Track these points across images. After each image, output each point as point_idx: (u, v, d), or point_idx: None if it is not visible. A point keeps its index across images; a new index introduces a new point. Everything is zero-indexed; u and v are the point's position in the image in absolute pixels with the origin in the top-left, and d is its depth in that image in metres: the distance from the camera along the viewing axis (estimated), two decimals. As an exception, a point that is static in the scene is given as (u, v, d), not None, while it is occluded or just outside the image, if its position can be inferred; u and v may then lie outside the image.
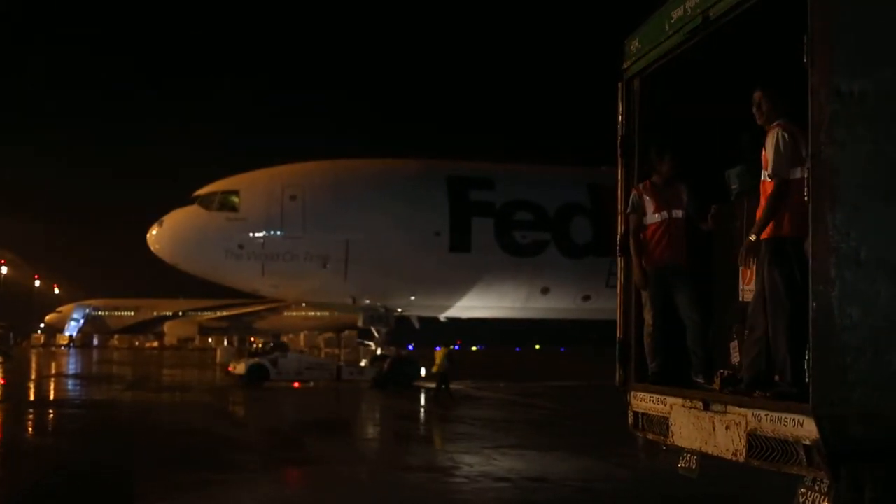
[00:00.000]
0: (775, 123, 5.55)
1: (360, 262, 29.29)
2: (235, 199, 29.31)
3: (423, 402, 25.62)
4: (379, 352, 32.05)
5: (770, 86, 5.66)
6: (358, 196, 29.80)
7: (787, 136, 5.40)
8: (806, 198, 5.12)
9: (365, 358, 33.12)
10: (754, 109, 5.74)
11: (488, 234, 30.01)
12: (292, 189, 29.13)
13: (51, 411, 20.68)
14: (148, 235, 30.77)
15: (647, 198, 6.82)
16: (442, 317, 33.92)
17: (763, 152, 5.56)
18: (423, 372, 31.20)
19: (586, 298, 31.70)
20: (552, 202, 30.25)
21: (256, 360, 29.95)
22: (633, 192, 6.91)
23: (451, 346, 29.08)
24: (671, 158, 6.82)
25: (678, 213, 6.81)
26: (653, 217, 6.80)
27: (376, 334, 32.03)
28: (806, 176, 5.21)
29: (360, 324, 31.73)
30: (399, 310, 32.13)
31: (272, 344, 32.71)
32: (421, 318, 35.07)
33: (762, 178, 5.58)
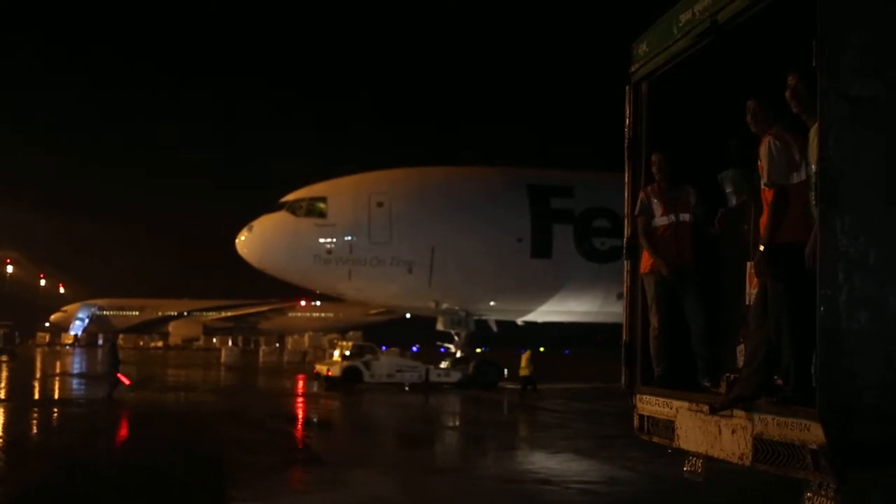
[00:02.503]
0: (767, 132, 5.56)
1: (445, 268, 29.85)
2: (323, 206, 29.97)
3: (505, 403, 25.97)
4: (458, 354, 32.53)
5: (763, 94, 5.67)
6: (443, 203, 30.50)
7: (778, 143, 5.42)
8: (805, 203, 5.13)
9: (446, 361, 33.24)
10: (748, 118, 5.76)
11: (568, 241, 30.56)
12: (379, 196, 29.75)
13: (57, 410, 20.70)
14: (237, 241, 31.27)
15: (655, 200, 6.83)
16: (520, 321, 34.40)
17: (759, 162, 5.57)
18: (505, 373, 32.20)
19: None
20: None
21: (350, 362, 30.15)
22: (641, 195, 6.92)
23: (534, 350, 30.21)
24: (668, 160, 6.82)
25: (685, 217, 6.81)
26: (660, 220, 6.81)
27: (456, 337, 32.50)
28: (804, 180, 5.23)
29: (439, 326, 32.17)
30: (478, 314, 32.66)
31: (359, 347, 32.84)
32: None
33: (761, 186, 5.59)
